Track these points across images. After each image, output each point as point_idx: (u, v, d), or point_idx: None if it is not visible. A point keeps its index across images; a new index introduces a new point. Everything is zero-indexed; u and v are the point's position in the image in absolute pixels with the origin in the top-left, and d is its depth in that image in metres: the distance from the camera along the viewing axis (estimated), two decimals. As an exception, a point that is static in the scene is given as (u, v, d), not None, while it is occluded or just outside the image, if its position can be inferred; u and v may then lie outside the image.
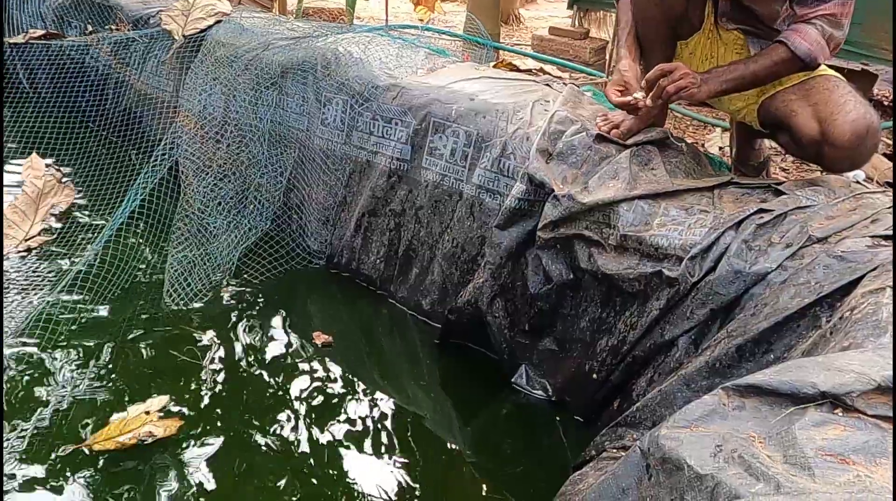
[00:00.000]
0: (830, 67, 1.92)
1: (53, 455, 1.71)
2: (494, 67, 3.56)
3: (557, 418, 2.02)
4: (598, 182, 1.93)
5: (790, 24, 1.74)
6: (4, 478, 1.61)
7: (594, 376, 1.91)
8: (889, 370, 0.95)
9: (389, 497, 1.71)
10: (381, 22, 4.80)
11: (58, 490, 1.62)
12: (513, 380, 2.11)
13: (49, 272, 2.42)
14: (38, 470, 1.67)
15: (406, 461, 1.83)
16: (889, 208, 1.61)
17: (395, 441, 1.90)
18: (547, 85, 2.45)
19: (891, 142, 3.01)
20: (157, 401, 1.92)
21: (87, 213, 2.86)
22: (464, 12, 6.19)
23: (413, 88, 2.41)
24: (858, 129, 1.66)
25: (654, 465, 1.00)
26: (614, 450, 1.61)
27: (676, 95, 1.77)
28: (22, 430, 1.77)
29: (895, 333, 1.07)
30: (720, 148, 3.02)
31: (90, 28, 3.61)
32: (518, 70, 3.49)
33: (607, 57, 4.58)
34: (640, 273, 1.79)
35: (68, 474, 1.67)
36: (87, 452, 1.72)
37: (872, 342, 1.09)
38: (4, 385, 1.90)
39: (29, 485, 1.63)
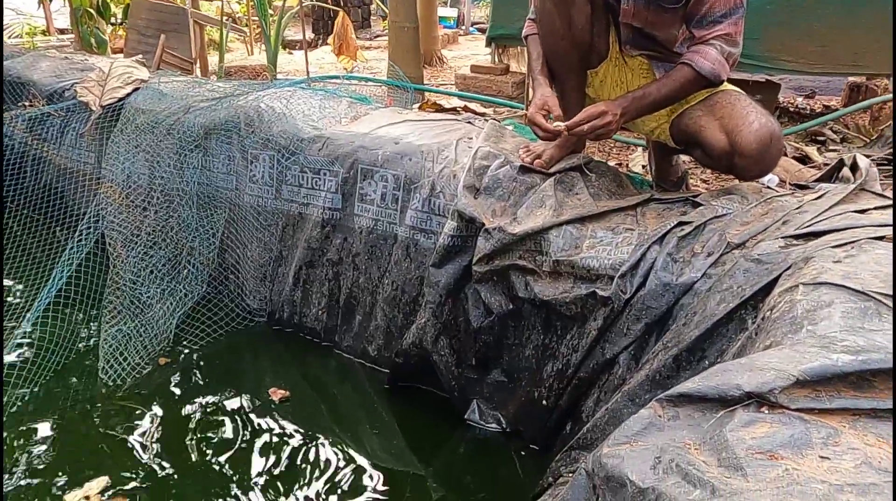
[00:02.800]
0: (736, 80, 2.04)
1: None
2: (420, 108, 3.63)
3: (514, 449, 2.02)
4: (526, 212, 1.98)
5: (690, 46, 1.85)
6: None
7: (544, 402, 1.92)
8: (806, 364, 0.99)
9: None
10: (305, 75, 4.84)
11: None
12: (466, 416, 2.11)
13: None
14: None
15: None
16: (797, 208, 1.70)
17: (358, 490, 1.86)
18: (469, 122, 2.51)
19: (797, 145, 3.19)
20: (97, 483, 1.83)
21: (11, 296, 2.75)
22: (387, 59, 6.30)
23: (338, 138, 2.44)
24: (762, 137, 1.76)
25: (600, 485, 1.01)
26: (570, 475, 1.61)
27: (594, 135, 1.85)
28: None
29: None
30: (643, 166, 3.13)
31: (2, 106, 3.52)
32: (443, 110, 3.56)
33: (527, 90, 4.72)
34: (576, 296, 1.82)
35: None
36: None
37: (790, 338, 1.14)
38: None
39: None
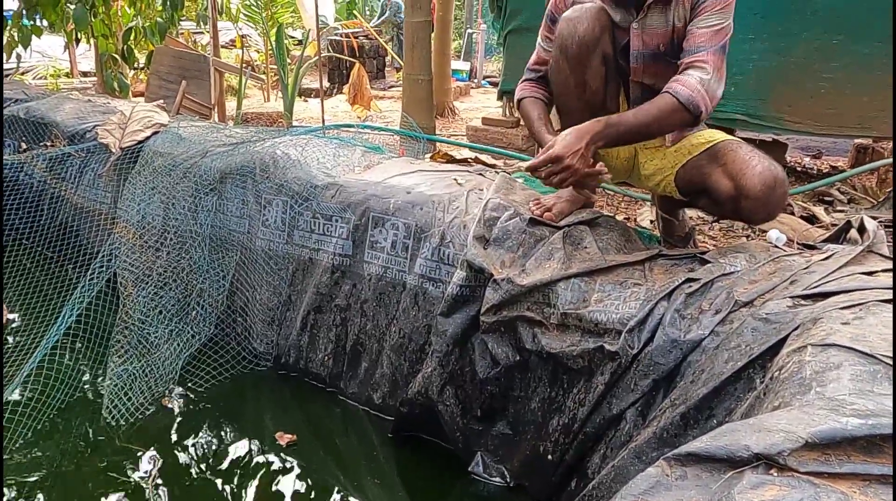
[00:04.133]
0: (744, 139, 2.07)
1: None
2: (432, 158, 3.69)
3: (517, 504, 1.99)
4: (535, 264, 1.99)
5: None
6: None
7: (549, 457, 1.90)
8: (815, 426, 0.98)
9: None
10: (320, 122, 4.95)
11: None
12: (470, 469, 2.08)
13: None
14: None
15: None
16: (805, 268, 1.71)
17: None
18: (480, 174, 2.55)
19: (804, 205, 3.21)
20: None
21: (21, 332, 2.76)
22: (400, 109, 6.44)
23: (351, 186, 2.48)
24: (767, 179, 1.78)
25: (606, 545, 1.00)
26: (575, 533, 1.59)
27: (562, 181, 1.86)
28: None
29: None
30: (651, 221, 3.16)
31: (24, 146, 3.61)
32: (455, 160, 3.62)
33: (537, 149, 4.80)
34: (583, 349, 1.82)
35: None
36: None
37: (799, 399, 1.13)
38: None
39: None
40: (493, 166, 3.43)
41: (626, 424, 1.71)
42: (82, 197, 3.31)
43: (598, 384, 1.78)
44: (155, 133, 3.20)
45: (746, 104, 3.47)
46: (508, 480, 2.03)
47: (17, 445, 2.10)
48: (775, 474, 0.96)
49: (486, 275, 1.99)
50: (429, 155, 3.85)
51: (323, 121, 4.54)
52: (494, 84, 9.23)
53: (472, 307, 2.03)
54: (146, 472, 2.04)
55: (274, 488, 2.02)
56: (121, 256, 2.70)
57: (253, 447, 2.20)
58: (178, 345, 2.51)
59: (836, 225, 2.24)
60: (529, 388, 1.99)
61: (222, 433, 2.27)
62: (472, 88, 9.30)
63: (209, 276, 2.67)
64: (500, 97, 5.16)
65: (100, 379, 2.45)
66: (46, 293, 2.86)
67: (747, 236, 3.03)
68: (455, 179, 2.46)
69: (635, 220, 3.29)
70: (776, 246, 1.98)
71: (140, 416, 2.26)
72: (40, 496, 1.94)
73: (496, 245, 2.07)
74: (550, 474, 1.90)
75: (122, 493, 1.96)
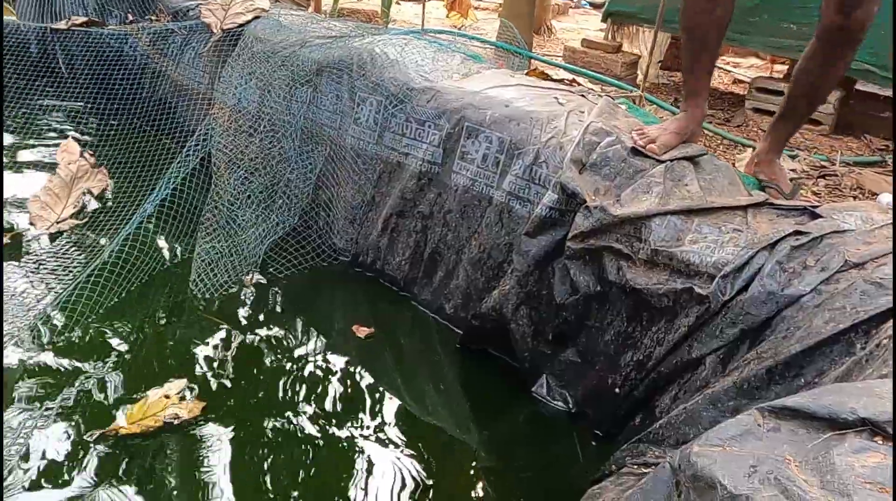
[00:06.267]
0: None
1: (78, 437, 1.72)
2: (527, 75, 3.56)
3: (575, 430, 2.01)
4: (631, 195, 1.92)
5: None
6: (5, 472, 1.62)
7: (616, 390, 1.89)
8: (932, 400, 0.93)
9: (399, 493, 1.70)
10: (412, 26, 4.82)
11: (83, 471, 1.64)
12: (533, 389, 2.10)
13: (79, 255, 2.45)
14: (62, 450, 1.69)
15: (419, 460, 1.83)
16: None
17: (410, 441, 1.89)
18: (582, 95, 2.44)
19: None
20: (175, 385, 1.94)
21: (118, 199, 2.89)
22: (495, 20, 6.19)
23: (448, 92, 2.42)
24: None
25: (685, 482, 0.99)
26: (635, 466, 1.59)
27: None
28: (47, 409, 1.79)
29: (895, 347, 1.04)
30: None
31: (130, 18, 3.67)
32: (551, 80, 3.48)
33: (639, 72, 4.57)
34: (670, 289, 1.77)
35: (95, 454, 1.68)
36: (114, 435, 1.74)
37: (913, 371, 1.07)
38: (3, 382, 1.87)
39: (52, 466, 1.64)
40: (591, 91, 3.28)
41: (704, 369, 1.68)
42: (182, 75, 3.37)
43: (680, 326, 1.73)
44: (256, 18, 3.18)
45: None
46: (571, 406, 2.04)
47: (113, 302, 2.23)
48: (880, 442, 0.91)
49: (578, 200, 1.93)
50: (524, 72, 3.72)
51: (423, 22, 4.42)
52: (595, 6, 8.74)
53: (559, 231, 1.99)
54: (225, 344, 2.15)
55: (337, 377, 2.10)
56: (215, 137, 2.76)
57: (327, 335, 2.29)
58: (263, 231, 2.58)
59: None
60: (605, 320, 1.96)
61: (298, 319, 2.36)
62: (571, 7, 8.84)
63: (297, 167, 2.71)
64: (604, 19, 4.88)
65: (187, 254, 2.55)
66: (143, 166, 2.96)
67: (854, 197, 2.84)
68: (556, 98, 2.36)
69: (734, 165, 3.12)
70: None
71: (223, 293, 2.36)
72: (129, 352, 2.07)
73: (592, 171, 2.00)
74: (616, 406, 1.90)
75: (200, 364, 2.07)
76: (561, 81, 3.64)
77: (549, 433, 2.01)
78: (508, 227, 2.18)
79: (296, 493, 1.69)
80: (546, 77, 3.57)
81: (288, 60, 2.82)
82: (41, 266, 2.37)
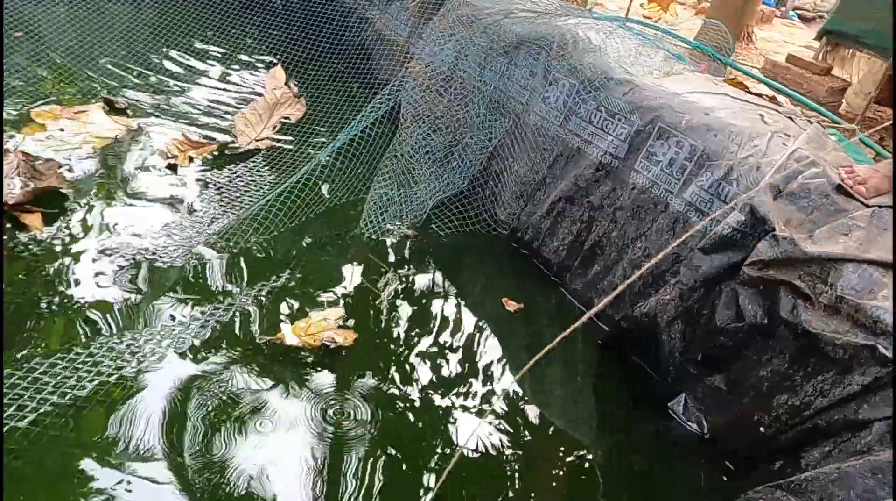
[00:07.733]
0: None
1: (250, 340, 1.91)
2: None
3: (704, 456, 1.95)
4: (827, 234, 1.81)
5: None
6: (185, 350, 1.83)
7: (762, 429, 1.82)
8: None
9: (504, 470, 1.76)
10: (609, 12, 4.70)
11: (251, 366, 1.83)
12: (669, 405, 2.06)
13: (271, 174, 2.67)
14: (239, 346, 1.88)
15: (530, 446, 1.86)
16: None
17: (527, 422, 1.93)
18: (790, 117, 2.30)
19: None
20: (334, 312, 2.09)
21: (312, 130, 3.10)
22: (692, 20, 5.89)
23: (646, 89, 2.37)
24: None
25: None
26: (769, 510, 1.54)
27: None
28: (229, 305, 2.00)
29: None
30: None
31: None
32: (748, 92, 3.30)
33: (844, 101, 4.22)
34: (848, 342, 1.66)
35: (262, 356, 1.87)
36: (279, 343, 1.92)
37: None
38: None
39: (223, 369, 1.84)
40: (796, 115, 3.07)
41: (869, 434, 1.57)
42: (384, 25, 3.52)
43: (852, 383, 1.63)
44: (466, -19, 3.23)
45: None
46: (705, 430, 1.98)
47: (294, 224, 2.42)
48: None
49: (766, 227, 1.84)
50: (721, 78, 3.54)
51: (628, 11, 4.32)
52: (804, 18, 8.10)
53: (736, 254, 1.92)
54: (384, 285, 2.29)
55: (482, 348, 2.17)
56: (407, 90, 2.87)
57: (477, 301, 2.36)
58: (434, 187, 2.68)
59: None
60: (765, 355, 1.87)
61: (450, 278, 2.45)
62: (777, 16, 8.22)
63: (477, 133, 2.77)
64: (819, 37, 4.52)
65: (362, 194, 2.70)
66: (337, 103, 3.15)
67: None
68: (761, 115, 2.25)
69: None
70: None
71: (387, 236, 2.49)
72: (298, 270, 2.25)
73: (788, 200, 1.90)
74: (757, 445, 1.82)
75: (358, 298, 2.21)
76: (759, 96, 3.44)
77: (676, 451, 1.97)
78: (679, 237, 2.12)
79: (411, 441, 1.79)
80: (745, 89, 3.38)
81: (490, 29, 2.87)
82: (232, 185, 2.60)
